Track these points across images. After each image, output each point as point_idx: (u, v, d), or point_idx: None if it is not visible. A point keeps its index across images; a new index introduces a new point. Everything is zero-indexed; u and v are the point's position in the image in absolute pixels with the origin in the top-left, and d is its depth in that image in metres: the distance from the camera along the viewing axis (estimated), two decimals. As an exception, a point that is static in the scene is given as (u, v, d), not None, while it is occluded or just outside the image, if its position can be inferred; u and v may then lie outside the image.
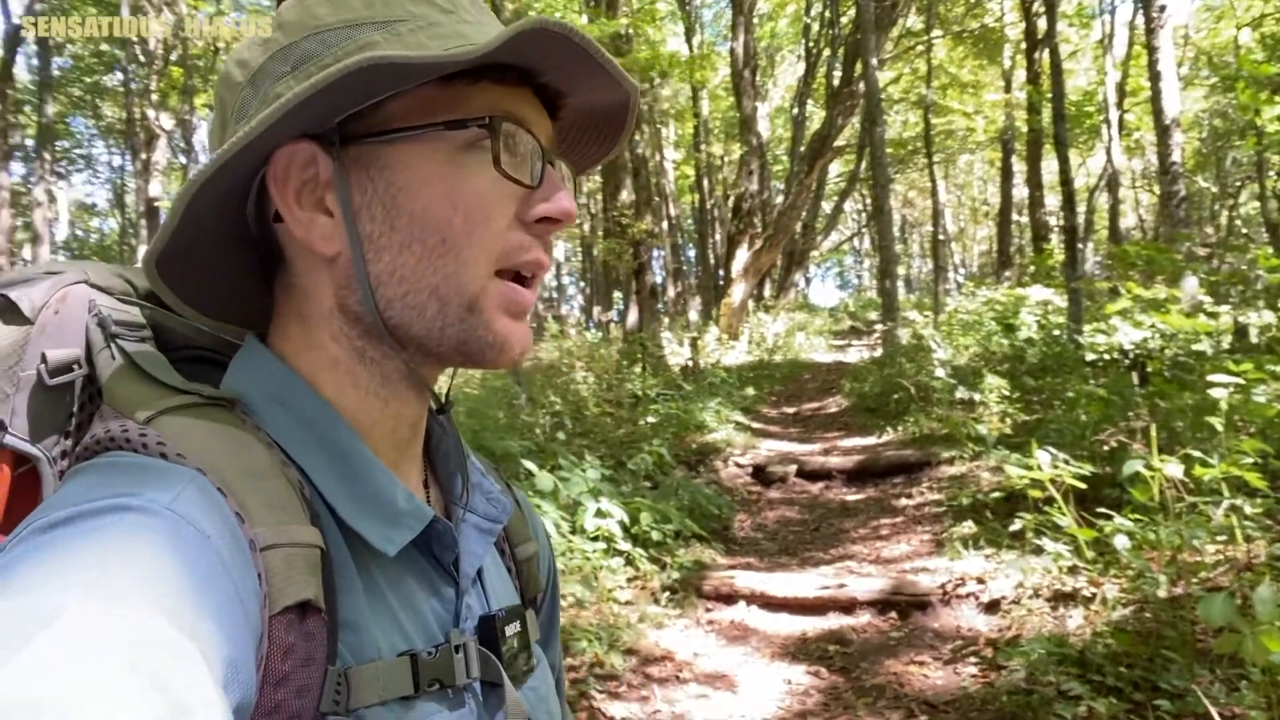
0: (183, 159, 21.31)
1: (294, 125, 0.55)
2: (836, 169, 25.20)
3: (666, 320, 18.57)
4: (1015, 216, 23.30)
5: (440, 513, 0.66)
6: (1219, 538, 3.86)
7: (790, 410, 11.35)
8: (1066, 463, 4.66)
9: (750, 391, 11.68)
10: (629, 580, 4.85)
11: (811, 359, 15.79)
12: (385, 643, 0.56)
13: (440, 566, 0.63)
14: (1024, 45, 17.27)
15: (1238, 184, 19.15)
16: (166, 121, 19.74)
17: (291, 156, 0.58)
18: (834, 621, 4.51)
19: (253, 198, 0.61)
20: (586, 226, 23.74)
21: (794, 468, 7.57)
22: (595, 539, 4.87)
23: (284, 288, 0.63)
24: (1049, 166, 17.20)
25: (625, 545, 4.92)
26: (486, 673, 0.61)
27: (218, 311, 0.66)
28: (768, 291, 21.34)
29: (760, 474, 7.63)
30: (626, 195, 16.18)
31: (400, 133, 0.57)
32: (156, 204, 20.00)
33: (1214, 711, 2.72)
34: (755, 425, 9.92)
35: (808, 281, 34.34)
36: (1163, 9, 9.97)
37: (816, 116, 21.61)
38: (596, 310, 22.98)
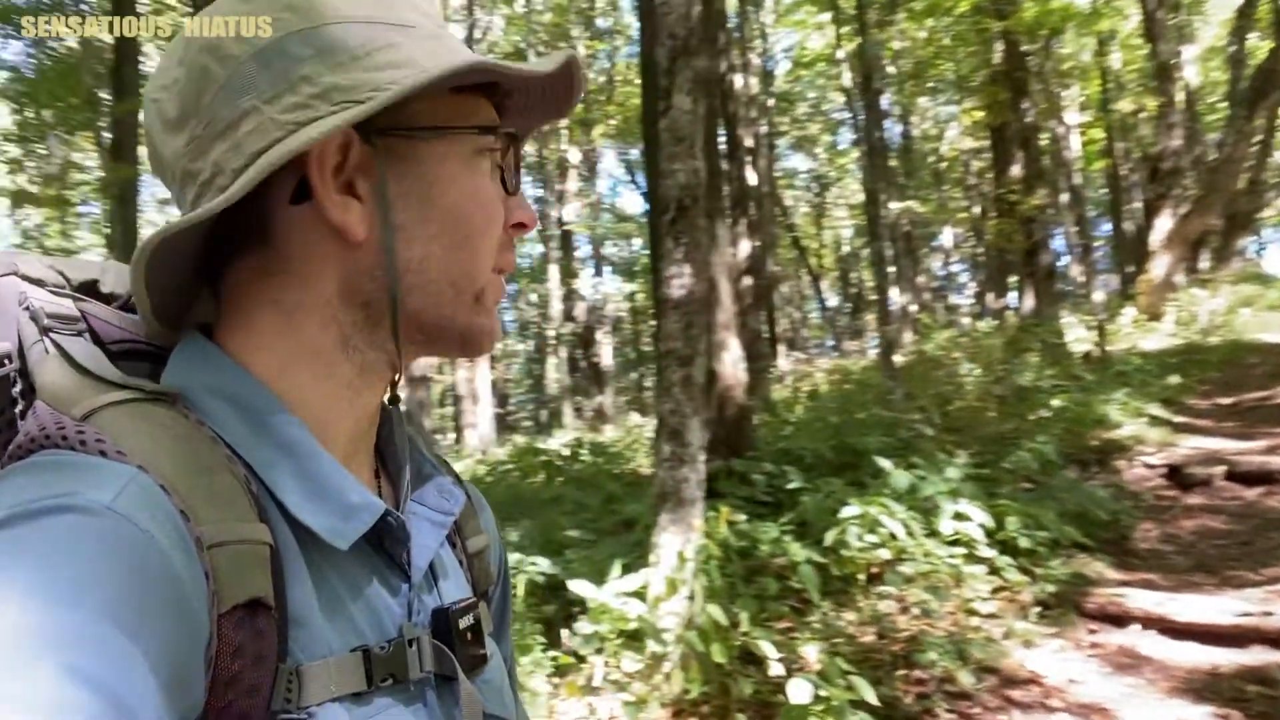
0: (589, 184, 23.73)
1: (368, 114, 0.56)
2: (1296, 108, 20.74)
3: (1071, 303, 16.69)
4: None
5: (391, 505, 0.64)
6: None
7: (1226, 401, 9.54)
8: None
9: (1173, 380, 10.04)
10: (993, 591, 4.40)
11: (1261, 339, 13.13)
12: (337, 639, 0.55)
13: (392, 560, 0.62)
14: None
15: None
16: (574, 154, 22.16)
17: (330, 143, 0.57)
18: (1257, 656, 3.68)
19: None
20: (977, 208, 22.18)
21: (1222, 469, 6.34)
22: (953, 543, 4.49)
23: (257, 276, 0.61)
24: None
25: (988, 552, 4.47)
26: (440, 666, 0.60)
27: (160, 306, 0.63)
28: (1204, 263, 18.22)
29: (1176, 475, 6.50)
30: (1017, 169, 14.81)
31: (434, 131, 0.59)
32: (567, 226, 22.53)
33: None
34: (1177, 419, 8.50)
35: (1262, 248, 28.74)
36: None
37: (1261, 50, 17.96)
38: (989, 298, 21.36)
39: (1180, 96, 16.20)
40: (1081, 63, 20.70)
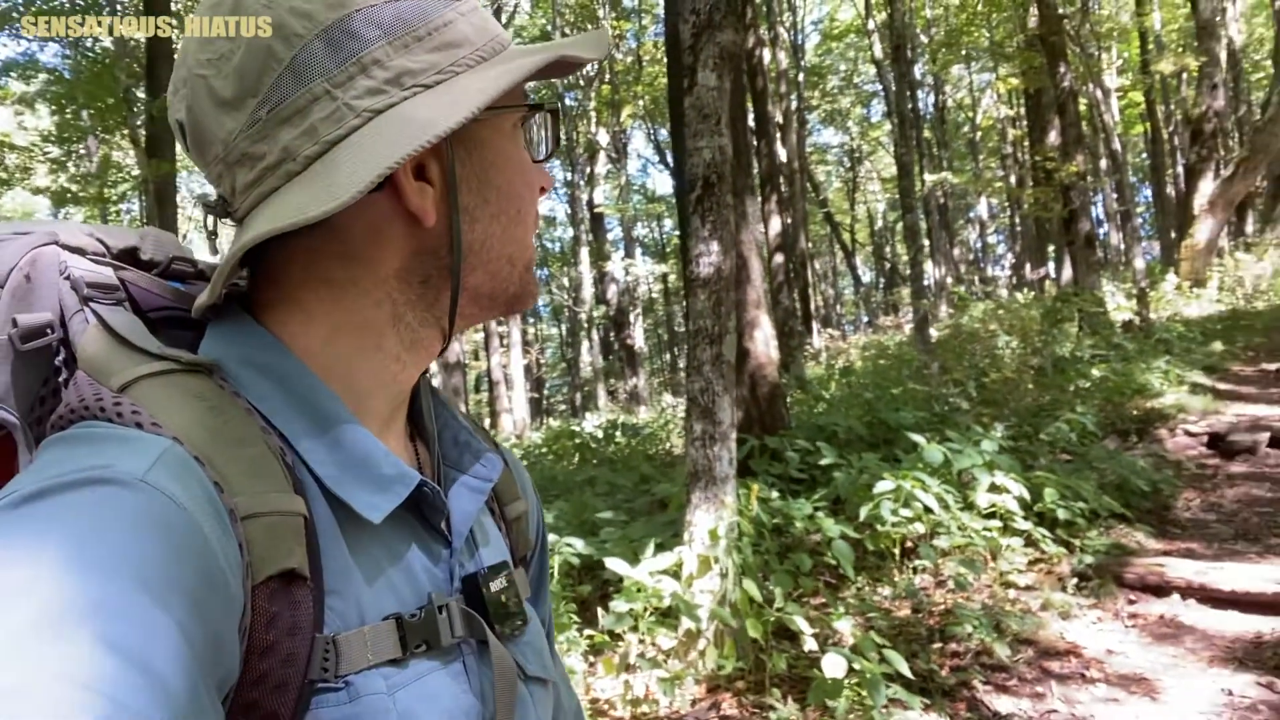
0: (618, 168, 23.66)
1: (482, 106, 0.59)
2: (1346, 63, 20.06)
3: (1110, 272, 16.38)
4: None
5: (429, 473, 0.66)
6: None
7: (1272, 367, 9.31)
8: None
9: (1216, 346, 9.84)
10: (1030, 563, 4.37)
11: (1309, 303, 12.81)
12: (374, 607, 0.55)
13: (432, 528, 0.62)
14: None
15: None
16: (603, 137, 22.10)
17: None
18: (1302, 625, 3.62)
19: None
20: (1013, 178, 21.79)
21: (1266, 436, 6.22)
22: (989, 516, 4.46)
23: (310, 255, 0.60)
24: None
25: (1025, 524, 4.43)
26: (473, 631, 0.60)
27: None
28: (1250, 226, 17.75)
29: (1219, 443, 6.38)
30: (1054, 136, 14.52)
31: (498, 111, 0.60)
32: (598, 209, 22.51)
33: None
34: (1221, 386, 8.33)
35: (1313, 208, 27.90)
36: None
37: (1310, 3, 17.35)
38: (1027, 268, 21.02)
39: (1223, 55, 15.73)
40: (1120, 23, 20.18)
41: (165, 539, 0.43)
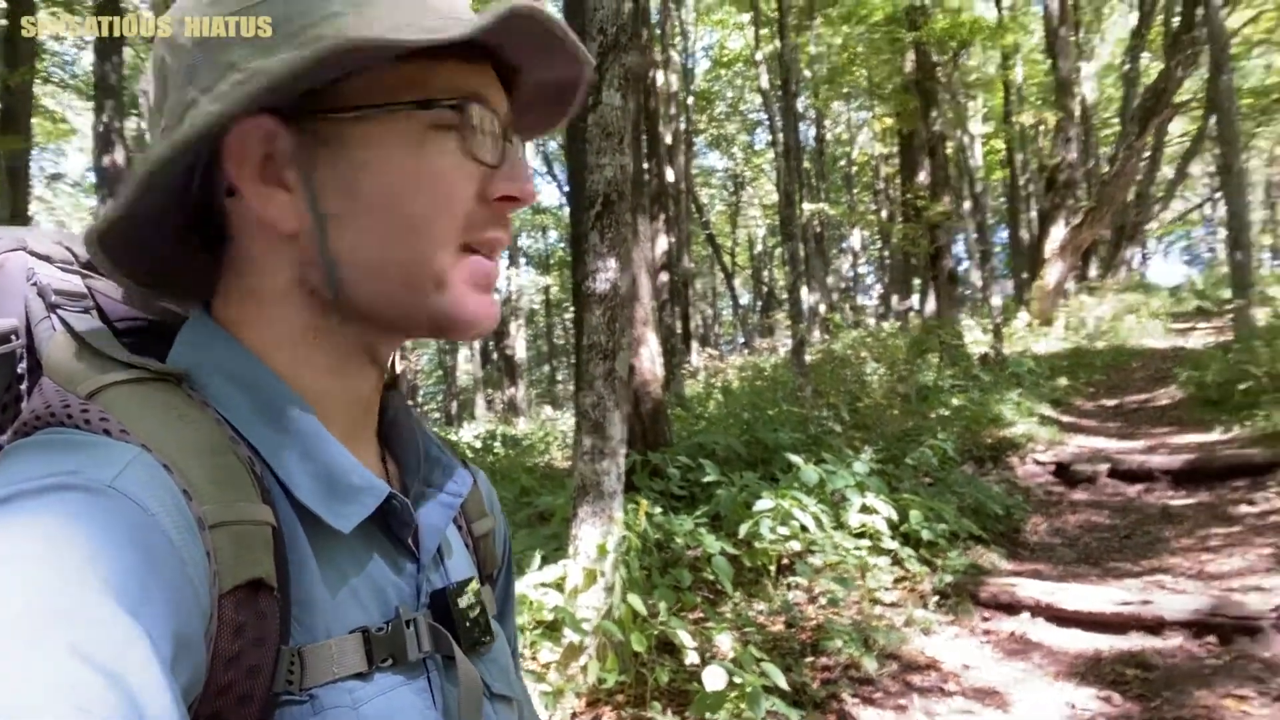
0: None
1: (255, 100, 0.53)
2: (1180, 128, 22.06)
3: (970, 307, 17.40)
4: None
5: (398, 488, 0.65)
6: None
7: (1110, 403, 10.11)
8: None
9: (1062, 381, 10.59)
10: (895, 581, 4.59)
11: (1143, 345, 13.95)
12: (340, 620, 0.55)
13: (400, 542, 0.62)
14: None
15: None
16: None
17: (250, 131, 0.56)
18: (1135, 642, 3.95)
19: (199, 169, 0.59)
20: (884, 212, 22.86)
21: (1106, 466, 6.74)
22: (859, 535, 4.67)
23: (231, 263, 0.61)
24: None
25: (892, 544, 4.66)
26: (440, 646, 0.59)
27: (155, 281, 0.64)
28: (1094, 271, 19.21)
29: (1064, 472, 6.88)
30: (924, 176, 15.34)
31: (365, 110, 0.55)
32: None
33: None
34: (1065, 419, 8.98)
35: (1145, 258, 30.47)
36: None
37: (1152, 70, 19.03)
38: (894, 299, 22.07)
39: (1077, 111, 17.02)
40: (986, 75, 21.53)
41: (134, 546, 0.43)
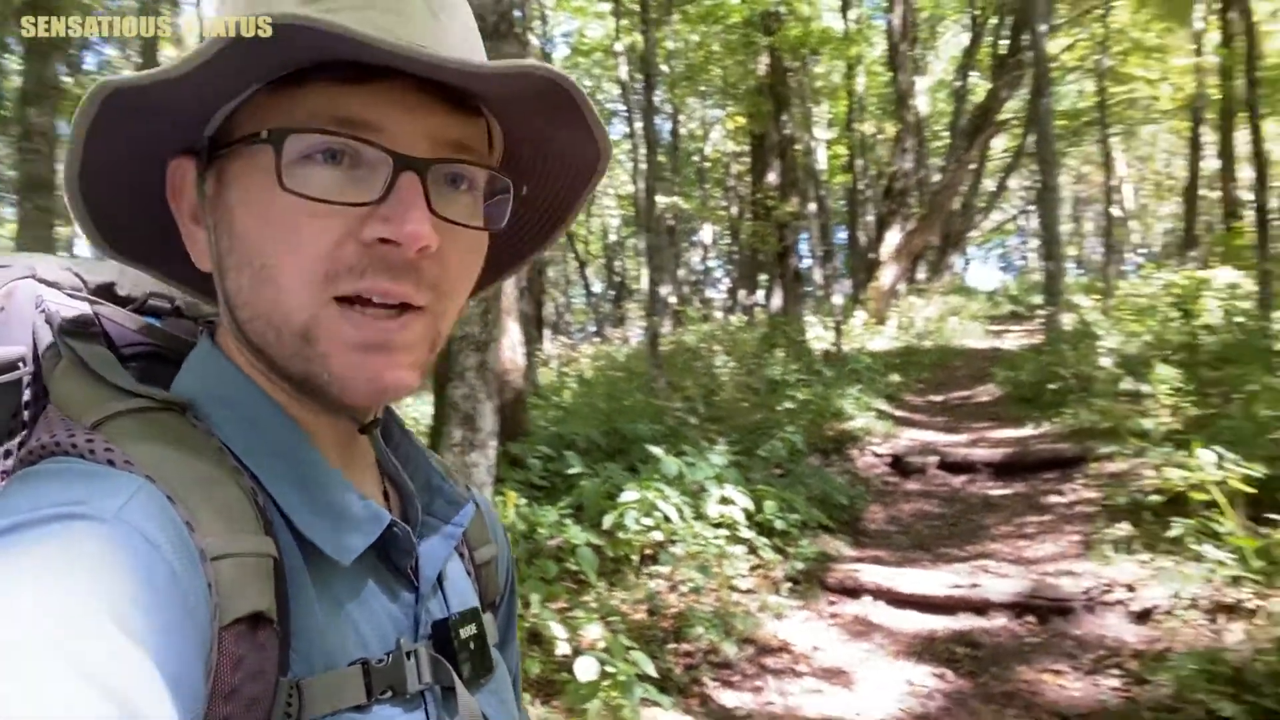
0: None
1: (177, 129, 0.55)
2: (1001, 144, 23.84)
3: (812, 304, 18.21)
4: (1204, 192, 21.32)
5: (399, 517, 0.64)
6: None
7: (937, 398, 10.87)
8: (1238, 464, 4.25)
9: (895, 378, 11.28)
10: (751, 569, 4.79)
11: (964, 345, 15.05)
12: (340, 652, 0.54)
13: (399, 572, 0.61)
14: (1216, 4, 15.72)
15: None
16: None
17: (176, 170, 0.58)
18: (965, 622, 4.30)
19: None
20: (735, 209, 23.55)
21: (935, 459, 7.26)
22: (718, 525, 4.84)
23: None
24: (1244, 137, 15.61)
25: (748, 533, 4.85)
26: (440, 677, 0.59)
27: (179, 273, 0.65)
28: (921, 274, 20.50)
29: (899, 464, 7.36)
30: (773, 177, 15.92)
31: (231, 146, 0.55)
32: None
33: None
34: (898, 413, 9.58)
35: (967, 263, 32.83)
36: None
37: (980, 89, 20.48)
38: (741, 294, 22.81)
39: (912, 123, 18.08)
40: (832, 83, 22.53)
41: (139, 577, 0.43)
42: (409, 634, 0.60)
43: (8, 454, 0.57)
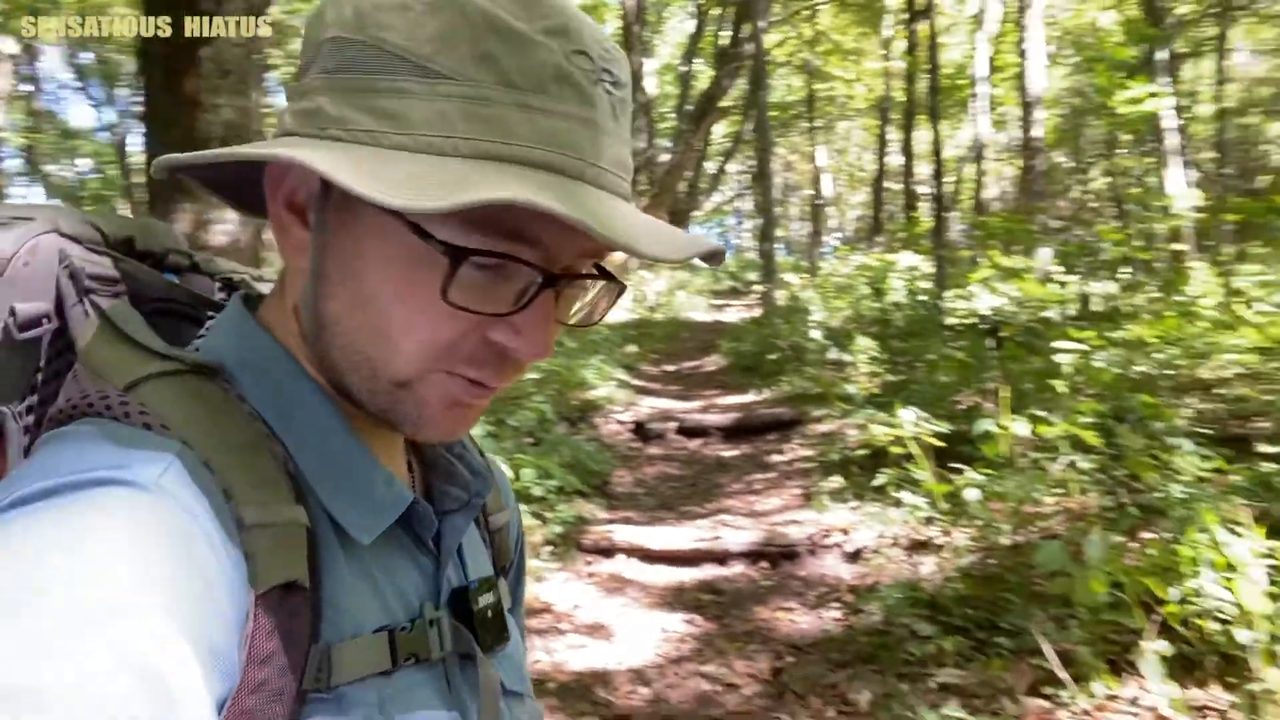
0: (28, 87, 19.60)
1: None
2: (721, 130, 25.43)
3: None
4: (889, 184, 24.15)
5: (422, 488, 0.66)
6: (1057, 490, 4.21)
7: (670, 368, 11.54)
8: (928, 421, 4.96)
9: (632, 349, 11.81)
10: (510, 535, 4.89)
11: (691, 318, 16.05)
12: (366, 619, 0.55)
13: (421, 542, 0.63)
14: (904, 15, 17.78)
15: (1090, 160, 20.40)
16: (9, 44, 18.07)
17: (292, 165, 0.55)
18: (708, 572, 4.69)
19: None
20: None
21: (673, 424, 7.74)
22: (476, 494, 4.88)
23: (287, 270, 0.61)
24: (923, 136, 17.86)
25: (507, 500, 4.95)
26: (460, 645, 0.61)
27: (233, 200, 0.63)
28: (651, 249, 21.43)
29: (640, 430, 7.77)
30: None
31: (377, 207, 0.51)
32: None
33: (1046, 647, 3.00)
34: (636, 382, 10.06)
35: (691, 240, 34.55)
36: (1030, -10, 10.45)
37: (705, 75, 21.70)
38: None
39: (642, 103, 18.81)
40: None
41: (176, 545, 0.44)
42: (430, 602, 0.61)
43: (29, 410, 0.57)
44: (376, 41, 0.51)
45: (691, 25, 22.90)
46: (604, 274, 0.58)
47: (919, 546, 4.36)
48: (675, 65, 25.85)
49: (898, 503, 4.74)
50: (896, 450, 5.04)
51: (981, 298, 7.81)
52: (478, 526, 0.73)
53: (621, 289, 0.61)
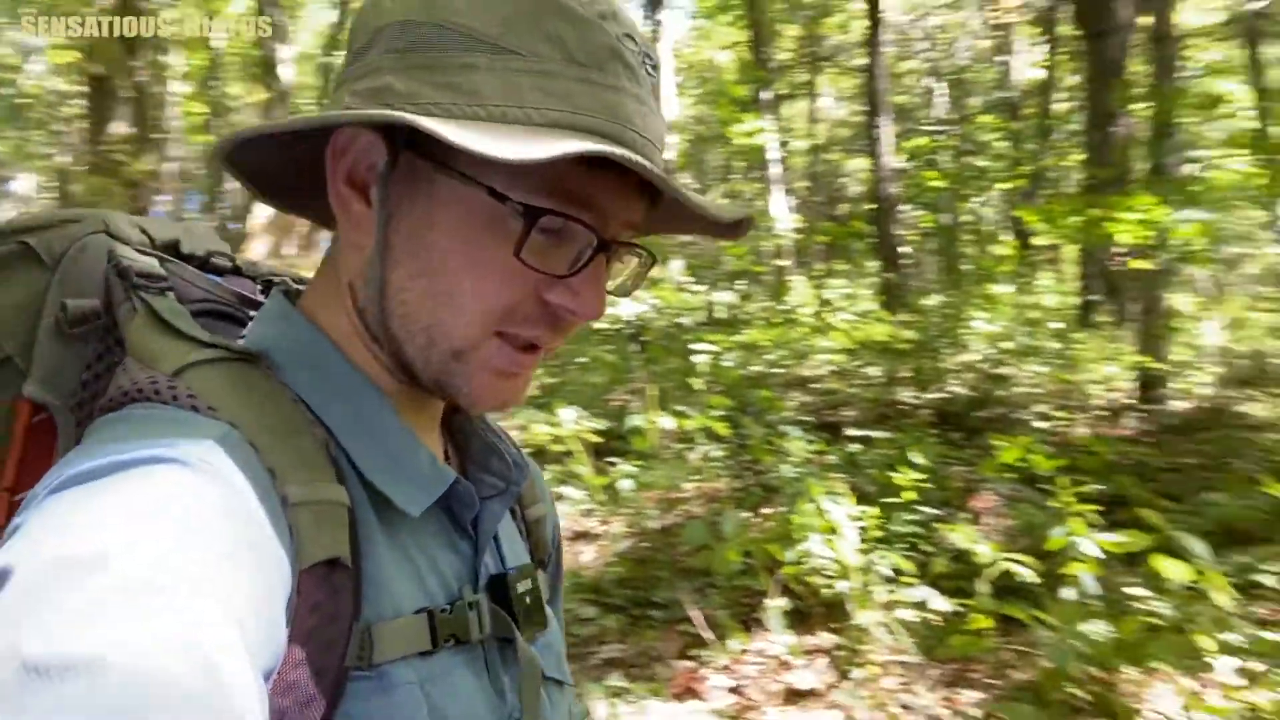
0: None
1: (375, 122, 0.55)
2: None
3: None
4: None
5: (459, 474, 0.66)
6: (696, 476, 4.76)
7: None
8: (586, 419, 5.33)
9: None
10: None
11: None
12: (407, 600, 0.56)
13: (460, 526, 0.64)
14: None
15: (711, 183, 22.77)
16: None
17: (355, 137, 0.57)
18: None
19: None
20: (68, 159, 20.20)
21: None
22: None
23: (333, 239, 0.64)
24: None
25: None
26: (499, 629, 0.62)
27: (275, 195, 0.65)
28: (293, 249, 20.20)
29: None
30: (123, 127, 14.11)
31: (451, 171, 0.55)
32: None
33: (694, 613, 3.42)
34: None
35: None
36: (659, 24, 11.49)
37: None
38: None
39: (279, 91, 17.68)
40: (186, 33, 20.71)
41: (226, 521, 0.45)
42: (469, 585, 0.62)
43: (80, 405, 0.58)
44: (447, 23, 0.55)
45: (335, 14, 21.93)
46: (642, 247, 0.63)
47: (580, 537, 4.68)
48: (315, 54, 24.57)
49: (560, 497, 5.04)
50: (557, 448, 5.34)
51: (625, 304, 8.46)
52: (514, 518, 0.74)
53: (653, 262, 0.65)
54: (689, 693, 3.08)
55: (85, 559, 0.39)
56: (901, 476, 3.84)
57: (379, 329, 0.59)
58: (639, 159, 0.51)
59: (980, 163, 11.80)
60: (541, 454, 5.56)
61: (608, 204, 0.57)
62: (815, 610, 3.44)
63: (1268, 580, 3.17)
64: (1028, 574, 2.96)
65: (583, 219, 0.56)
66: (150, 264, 0.63)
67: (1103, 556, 2.86)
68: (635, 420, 5.02)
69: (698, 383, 5.69)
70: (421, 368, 0.59)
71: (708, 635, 3.35)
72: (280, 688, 0.48)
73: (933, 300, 8.14)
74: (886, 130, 9.33)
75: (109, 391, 0.55)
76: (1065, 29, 11.79)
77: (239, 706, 0.38)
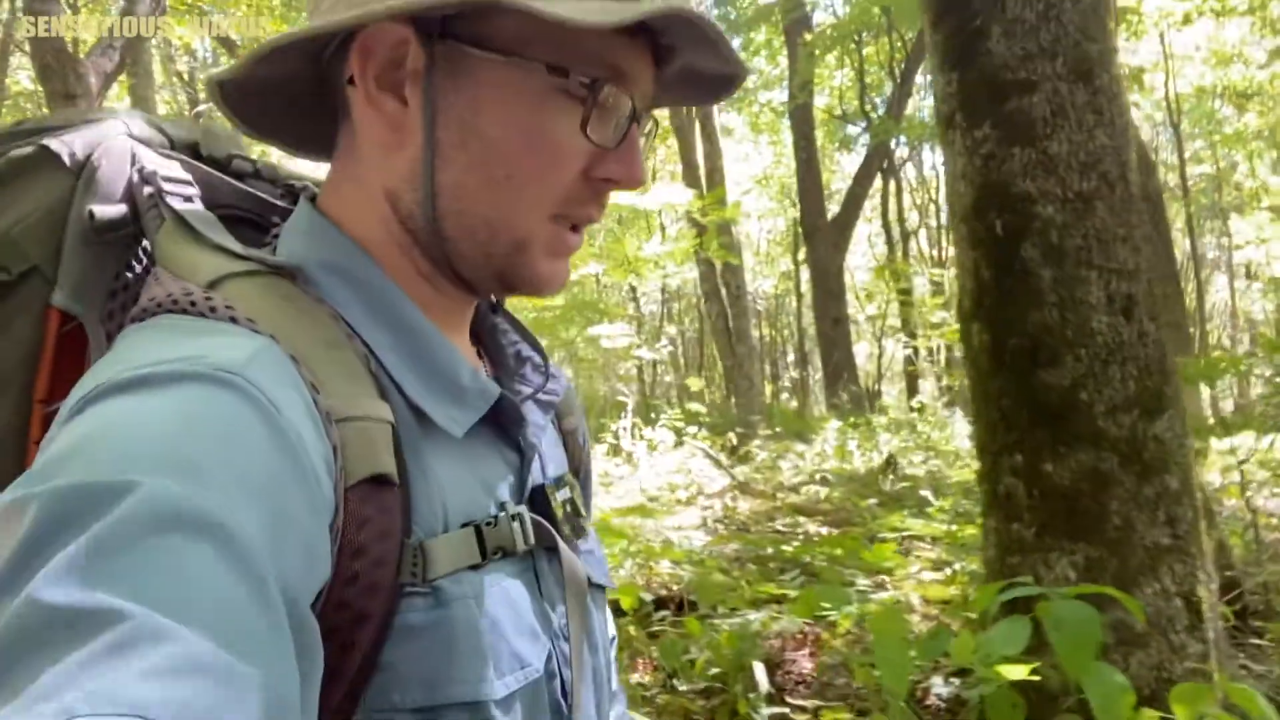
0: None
1: (395, 14, 0.52)
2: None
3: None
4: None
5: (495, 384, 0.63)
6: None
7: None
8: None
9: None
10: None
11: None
12: (454, 514, 0.55)
13: (505, 437, 0.62)
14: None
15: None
16: None
17: (384, 34, 0.55)
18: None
19: (333, 48, 0.58)
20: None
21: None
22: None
23: (346, 147, 0.61)
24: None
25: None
26: (543, 538, 0.60)
27: (274, 134, 0.63)
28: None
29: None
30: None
31: (499, 53, 0.54)
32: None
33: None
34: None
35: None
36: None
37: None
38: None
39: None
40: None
41: (261, 437, 0.43)
42: (513, 497, 0.60)
43: (110, 315, 0.57)
44: None
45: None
46: (655, 118, 0.65)
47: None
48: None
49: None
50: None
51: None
52: (552, 428, 0.72)
53: (657, 131, 0.68)
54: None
55: (110, 489, 0.36)
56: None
57: (429, 234, 0.58)
58: (709, 18, 0.53)
59: None
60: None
61: (639, 73, 0.58)
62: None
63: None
64: None
65: (629, 90, 0.57)
66: (174, 168, 0.60)
67: None
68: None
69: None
70: (482, 263, 0.58)
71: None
72: (332, 605, 0.47)
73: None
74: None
75: (140, 301, 0.53)
76: None
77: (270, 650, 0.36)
